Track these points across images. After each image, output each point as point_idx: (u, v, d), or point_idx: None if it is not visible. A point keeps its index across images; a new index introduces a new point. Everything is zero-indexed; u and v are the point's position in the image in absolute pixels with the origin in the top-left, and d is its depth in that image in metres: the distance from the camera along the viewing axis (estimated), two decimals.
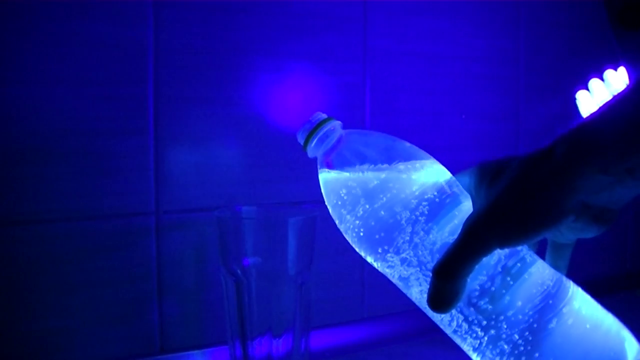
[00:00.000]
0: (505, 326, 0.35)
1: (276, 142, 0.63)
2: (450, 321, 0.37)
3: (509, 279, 0.36)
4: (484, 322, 0.36)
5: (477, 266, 0.34)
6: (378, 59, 0.69)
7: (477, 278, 0.36)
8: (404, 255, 0.37)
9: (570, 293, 0.36)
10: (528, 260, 0.37)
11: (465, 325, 0.37)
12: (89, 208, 0.55)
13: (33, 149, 0.53)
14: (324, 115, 0.43)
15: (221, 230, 0.52)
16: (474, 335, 0.36)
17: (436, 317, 0.38)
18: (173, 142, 0.59)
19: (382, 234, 0.38)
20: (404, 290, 0.40)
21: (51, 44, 0.53)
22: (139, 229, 0.58)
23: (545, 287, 0.36)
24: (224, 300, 0.54)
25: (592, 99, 0.78)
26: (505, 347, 0.35)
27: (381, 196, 0.38)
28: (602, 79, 0.78)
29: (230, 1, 0.60)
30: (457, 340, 0.38)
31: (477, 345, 0.36)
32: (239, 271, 0.51)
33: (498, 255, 0.36)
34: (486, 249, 0.33)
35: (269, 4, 0.62)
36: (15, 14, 0.51)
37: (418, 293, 0.38)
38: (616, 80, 0.76)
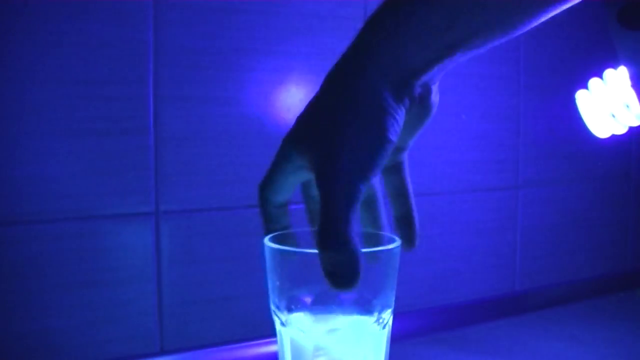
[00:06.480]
0: None
1: (276, 142, 0.63)
2: None
3: None
4: None
5: None
6: None
7: None
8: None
9: None
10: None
11: None
12: (89, 208, 0.56)
13: (33, 149, 0.53)
14: None
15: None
16: None
17: None
18: (173, 142, 0.59)
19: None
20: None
21: (51, 44, 0.53)
22: (139, 229, 0.58)
23: None
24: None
25: (592, 99, 0.78)
26: None
27: None
28: (602, 79, 0.78)
29: (230, 1, 0.60)
30: None
31: None
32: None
33: None
34: (356, 184, 0.31)
35: (268, 4, 0.62)
36: (15, 14, 0.51)
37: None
38: (616, 80, 0.76)
